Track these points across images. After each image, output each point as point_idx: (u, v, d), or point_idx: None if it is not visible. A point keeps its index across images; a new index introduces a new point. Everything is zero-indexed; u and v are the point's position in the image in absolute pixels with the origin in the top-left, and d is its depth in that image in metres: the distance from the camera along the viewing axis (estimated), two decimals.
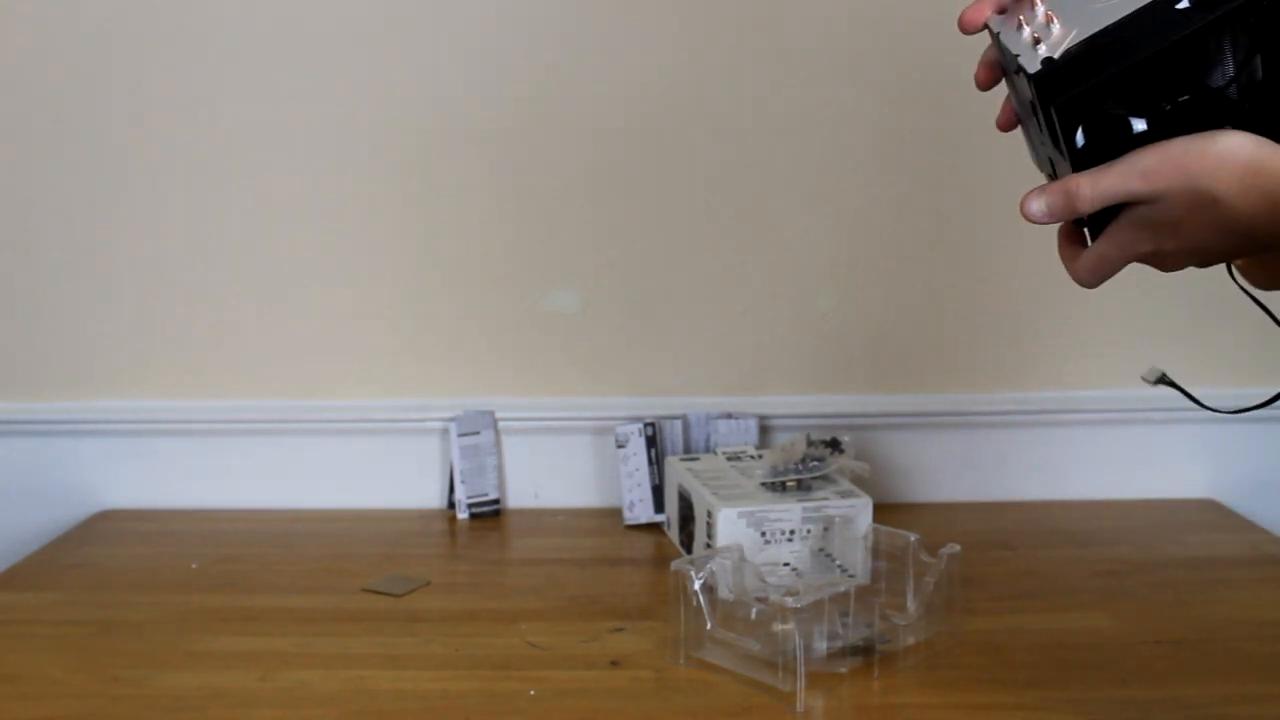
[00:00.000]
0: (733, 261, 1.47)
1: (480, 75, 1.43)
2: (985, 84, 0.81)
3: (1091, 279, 0.79)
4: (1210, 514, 1.44)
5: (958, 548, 1.08)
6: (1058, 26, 0.75)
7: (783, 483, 1.25)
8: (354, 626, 1.13)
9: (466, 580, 1.28)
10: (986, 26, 0.79)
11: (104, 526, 1.44)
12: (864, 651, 1.03)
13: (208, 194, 1.44)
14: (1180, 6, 0.72)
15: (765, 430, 1.48)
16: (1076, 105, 0.74)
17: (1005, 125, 0.83)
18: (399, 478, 1.48)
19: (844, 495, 1.23)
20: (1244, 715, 0.97)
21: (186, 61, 1.41)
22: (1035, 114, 0.78)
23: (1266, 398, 0.81)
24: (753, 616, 1.02)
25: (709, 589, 1.03)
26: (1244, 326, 1.46)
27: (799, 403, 1.48)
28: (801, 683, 0.96)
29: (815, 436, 1.31)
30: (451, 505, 1.47)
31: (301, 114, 1.43)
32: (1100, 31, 0.73)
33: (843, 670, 1.01)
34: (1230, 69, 0.74)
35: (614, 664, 1.05)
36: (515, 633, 1.11)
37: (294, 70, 1.42)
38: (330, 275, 1.46)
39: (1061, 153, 0.76)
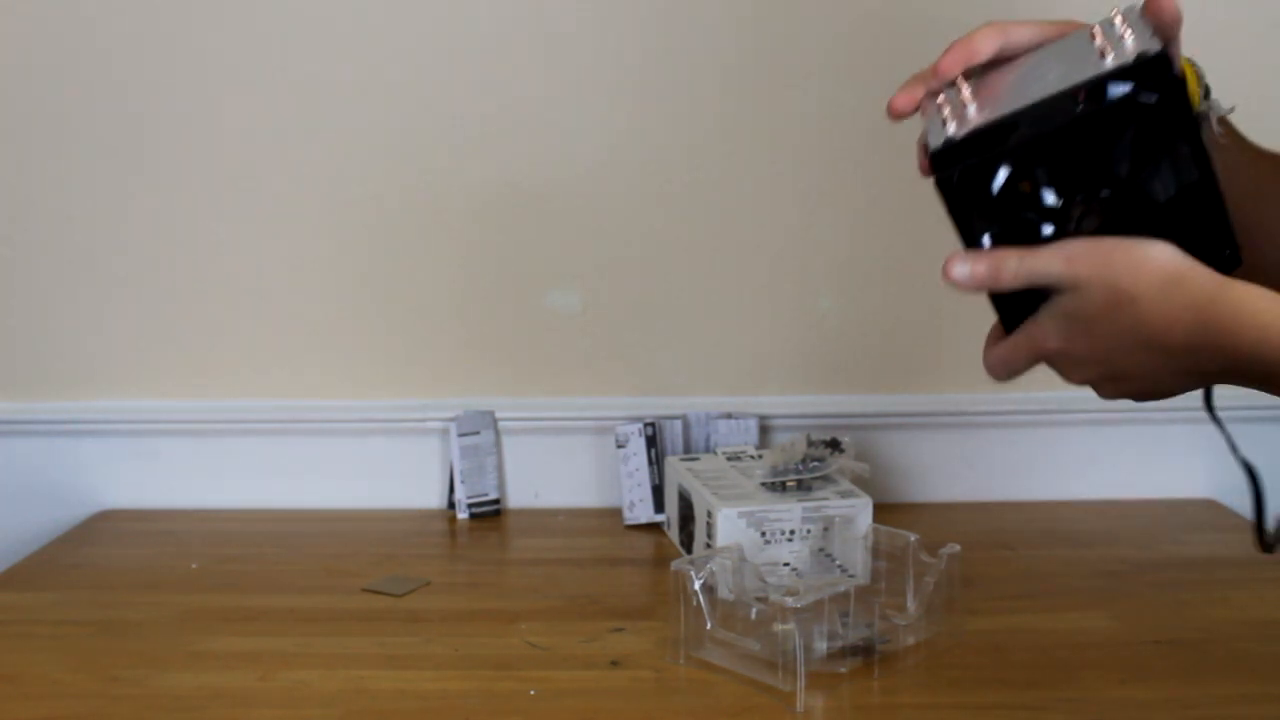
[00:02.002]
0: (733, 261, 1.47)
1: (480, 75, 1.43)
2: (926, 170, 0.79)
3: (999, 370, 0.78)
4: (1210, 514, 1.44)
5: (958, 548, 1.08)
6: (973, 109, 0.74)
7: (783, 483, 1.25)
8: (354, 626, 1.13)
9: (466, 580, 1.28)
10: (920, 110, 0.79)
11: (104, 526, 1.44)
12: (864, 651, 1.03)
13: (208, 193, 1.44)
14: (1079, 99, 0.72)
15: (765, 430, 1.48)
16: (964, 185, 0.74)
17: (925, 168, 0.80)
18: (399, 478, 1.48)
19: (844, 495, 1.23)
20: (1244, 715, 0.97)
21: (187, 61, 1.41)
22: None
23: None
24: (753, 616, 1.02)
25: (709, 589, 1.03)
26: None
27: (799, 403, 1.48)
28: (801, 683, 0.96)
29: (815, 436, 1.31)
30: (451, 505, 1.47)
31: (301, 114, 1.43)
32: (1002, 116, 0.73)
33: (843, 670, 1.01)
34: (1124, 169, 0.73)
35: (614, 664, 1.05)
36: (515, 633, 1.11)
37: (294, 70, 1.42)
38: (330, 275, 1.46)
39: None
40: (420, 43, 1.42)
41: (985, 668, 1.04)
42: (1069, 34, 0.77)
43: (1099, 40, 0.73)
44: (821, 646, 1.01)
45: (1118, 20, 0.73)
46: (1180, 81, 0.73)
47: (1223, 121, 0.82)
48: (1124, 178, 0.73)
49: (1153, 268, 0.71)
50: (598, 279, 1.47)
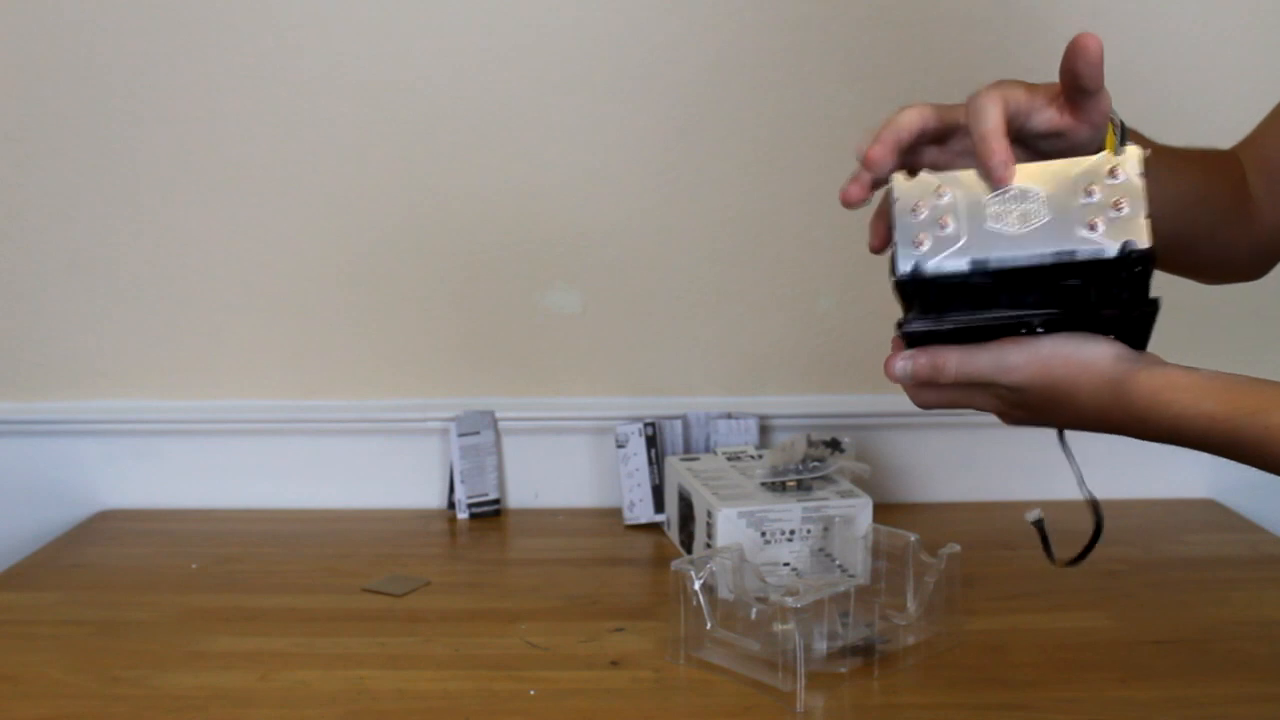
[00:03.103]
0: (733, 261, 1.47)
1: (480, 74, 1.43)
2: (877, 247, 0.82)
3: (927, 407, 0.80)
4: (1210, 514, 1.44)
5: (958, 548, 1.08)
6: (951, 249, 0.75)
7: (783, 483, 1.25)
8: (354, 626, 1.13)
9: (466, 580, 1.28)
10: (889, 181, 0.79)
11: (104, 526, 1.44)
12: (864, 651, 1.03)
13: (208, 193, 1.44)
14: (1067, 283, 0.74)
15: (765, 430, 1.48)
16: (922, 294, 0.76)
17: (877, 248, 0.82)
18: (399, 478, 1.48)
19: (844, 495, 1.23)
20: (1244, 715, 0.97)
21: (187, 62, 1.41)
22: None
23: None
24: (753, 616, 1.02)
25: (709, 589, 1.03)
26: (1243, 334, 1.47)
27: (799, 403, 1.48)
28: (801, 683, 0.96)
29: (815, 436, 1.30)
30: (451, 505, 1.47)
31: (301, 114, 1.43)
32: (981, 267, 0.74)
33: (843, 670, 1.01)
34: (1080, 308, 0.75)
35: (614, 664, 1.05)
36: (515, 633, 1.11)
37: (294, 71, 1.42)
38: (330, 275, 1.46)
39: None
40: (421, 44, 1.42)
41: (985, 668, 1.04)
42: (1062, 165, 0.76)
43: (1096, 196, 0.74)
44: (821, 646, 1.01)
45: (1117, 173, 0.74)
46: (1149, 272, 0.74)
47: (1142, 143, 0.84)
48: (1077, 311, 0.75)
49: (1093, 373, 0.75)
50: (597, 279, 1.47)
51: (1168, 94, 1.43)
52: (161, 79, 1.42)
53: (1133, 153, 0.75)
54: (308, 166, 1.44)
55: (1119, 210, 0.73)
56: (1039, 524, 0.88)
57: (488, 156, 1.44)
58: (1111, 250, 0.73)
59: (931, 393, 0.79)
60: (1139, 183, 0.74)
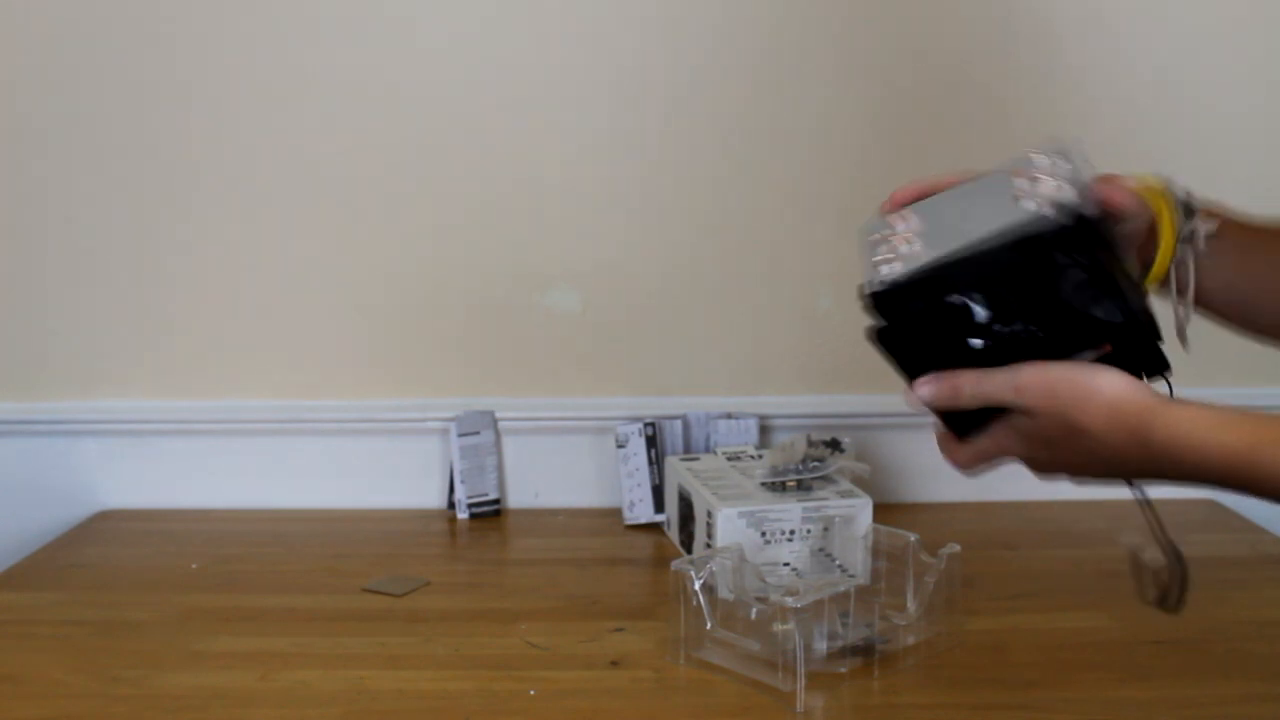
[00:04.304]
0: (732, 261, 1.47)
1: (481, 75, 1.43)
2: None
3: (969, 470, 0.86)
4: (1210, 514, 1.44)
5: (958, 548, 1.08)
6: (908, 250, 0.83)
7: (783, 483, 1.25)
8: (354, 626, 1.13)
9: (466, 580, 1.28)
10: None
11: (104, 526, 1.44)
12: (864, 651, 1.03)
13: (208, 194, 1.44)
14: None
15: (765, 430, 1.48)
16: (896, 313, 0.84)
17: None
18: (399, 478, 1.48)
19: (844, 495, 1.23)
20: (1244, 715, 0.98)
21: (188, 63, 1.41)
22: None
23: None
24: (753, 616, 1.02)
25: (709, 589, 1.03)
26: (1245, 357, 1.47)
27: (799, 403, 1.48)
28: (801, 683, 0.96)
29: (815, 436, 1.30)
30: (451, 505, 1.47)
31: (301, 114, 1.43)
32: (937, 261, 0.81)
33: (843, 670, 1.01)
34: (1054, 303, 0.79)
35: (614, 664, 1.05)
36: (515, 633, 1.11)
37: (295, 73, 1.42)
38: (330, 275, 1.46)
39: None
40: (422, 46, 1.42)
41: (985, 668, 1.04)
42: (985, 176, 0.84)
43: (1019, 183, 0.80)
44: (821, 646, 1.01)
45: (1037, 159, 0.81)
46: (1090, 222, 0.79)
47: (1211, 217, 0.88)
48: (1055, 309, 0.79)
49: (1099, 402, 0.77)
50: (597, 279, 1.47)
51: (1168, 94, 1.43)
52: (162, 81, 1.42)
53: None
54: (308, 167, 1.44)
55: (1045, 180, 0.79)
56: (1148, 563, 0.90)
57: (488, 156, 1.44)
58: (1046, 211, 0.78)
59: (966, 450, 0.84)
60: (1066, 166, 0.79)
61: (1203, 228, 0.88)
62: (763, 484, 1.26)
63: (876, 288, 0.83)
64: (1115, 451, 0.77)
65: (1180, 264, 0.87)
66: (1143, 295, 0.82)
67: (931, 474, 1.48)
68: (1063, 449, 0.79)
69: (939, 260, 0.81)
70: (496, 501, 1.47)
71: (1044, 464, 0.82)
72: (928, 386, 0.84)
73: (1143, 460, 0.77)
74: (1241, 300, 0.89)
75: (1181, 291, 0.87)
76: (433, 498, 1.49)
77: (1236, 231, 0.89)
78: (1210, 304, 0.89)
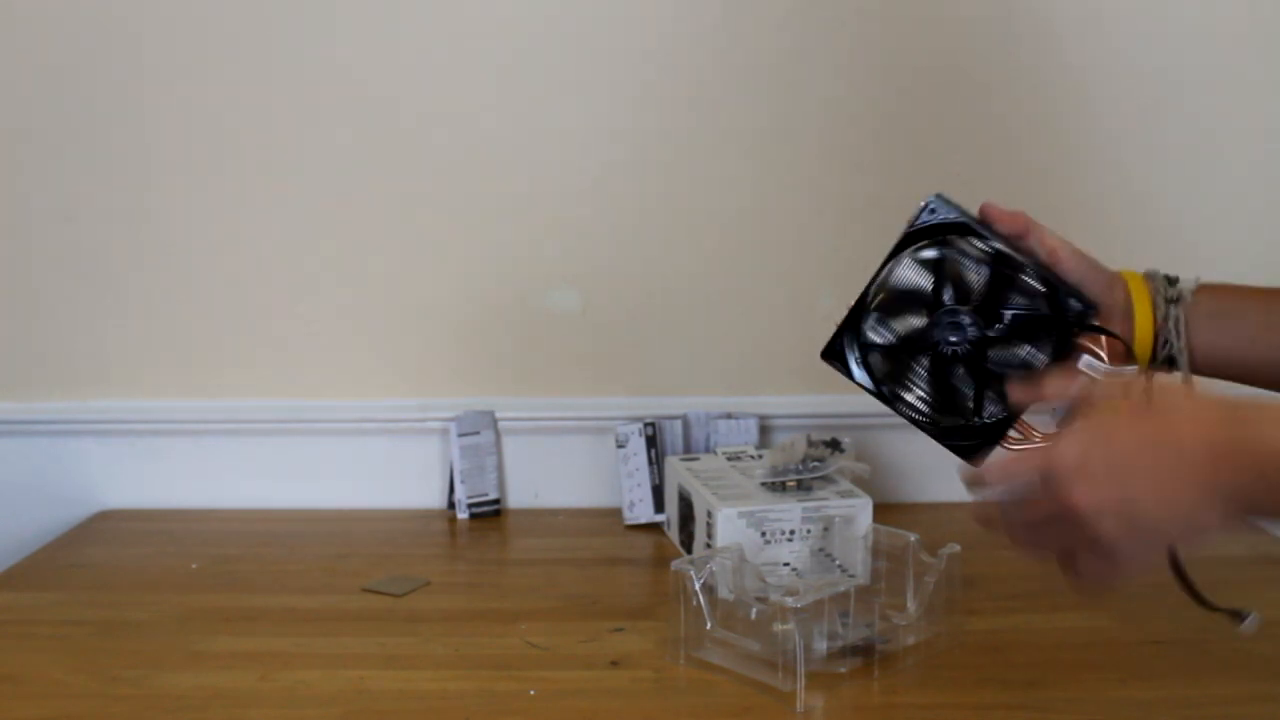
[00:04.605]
0: (733, 261, 1.47)
1: (481, 76, 1.43)
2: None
3: (999, 477, 0.84)
4: None
5: (958, 548, 1.08)
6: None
7: (783, 483, 1.25)
8: (354, 626, 1.13)
9: (466, 580, 1.28)
10: None
11: (104, 526, 1.44)
12: (864, 651, 1.03)
13: (207, 194, 1.44)
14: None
15: (765, 430, 1.48)
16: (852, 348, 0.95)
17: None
18: (399, 478, 1.48)
19: (844, 495, 1.23)
20: (1244, 715, 0.98)
21: (187, 61, 1.41)
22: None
23: None
24: (753, 616, 1.02)
25: (709, 589, 1.03)
26: None
27: (799, 403, 1.48)
28: (801, 683, 0.96)
29: (815, 436, 1.31)
30: (451, 505, 1.47)
31: (302, 114, 1.43)
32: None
33: (843, 670, 1.01)
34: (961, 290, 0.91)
35: (614, 664, 1.05)
36: (515, 633, 1.11)
37: (296, 72, 1.42)
38: (330, 275, 1.46)
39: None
40: (422, 45, 1.42)
41: (985, 668, 1.04)
42: None
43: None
44: (821, 646, 1.01)
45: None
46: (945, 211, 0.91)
47: (1204, 290, 0.90)
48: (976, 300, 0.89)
49: (1174, 386, 0.77)
50: (597, 280, 1.47)
51: (1168, 94, 1.43)
52: (162, 80, 1.42)
53: None
54: (308, 168, 1.44)
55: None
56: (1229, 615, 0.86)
57: (488, 157, 1.44)
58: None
59: (1009, 457, 0.86)
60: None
61: (1187, 286, 0.90)
62: (763, 484, 1.26)
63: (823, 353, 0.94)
64: (1192, 425, 0.70)
65: (1172, 325, 0.89)
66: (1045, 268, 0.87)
67: (931, 474, 1.48)
68: (1124, 436, 0.73)
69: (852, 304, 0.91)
70: (496, 501, 1.47)
71: (1096, 470, 0.73)
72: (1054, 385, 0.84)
73: (1217, 438, 0.69)
74: (1256, 362, 0.90)
75: (1173, 360, 0.89)
76: (433, 498, 1.49)
77: (1230, 294, 0.91)
78: (1228, 367, 0.90)
